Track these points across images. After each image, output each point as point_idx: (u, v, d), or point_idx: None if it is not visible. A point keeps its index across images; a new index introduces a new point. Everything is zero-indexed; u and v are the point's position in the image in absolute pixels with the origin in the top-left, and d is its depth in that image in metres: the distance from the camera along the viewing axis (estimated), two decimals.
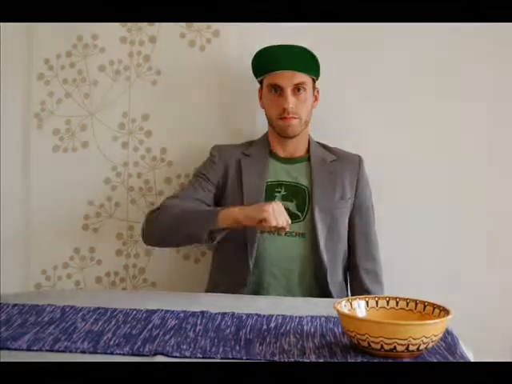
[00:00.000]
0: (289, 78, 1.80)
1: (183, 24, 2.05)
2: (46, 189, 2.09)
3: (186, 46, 2.06)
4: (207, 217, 1.68)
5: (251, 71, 1.92)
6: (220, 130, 2.07)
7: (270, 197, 1.82)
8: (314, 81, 1.88)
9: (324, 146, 1.94)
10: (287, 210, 1.73)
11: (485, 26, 1.90)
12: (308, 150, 1.91)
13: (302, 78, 1.81)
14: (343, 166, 1.89)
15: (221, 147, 1.94)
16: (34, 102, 2.08)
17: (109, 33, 2.06)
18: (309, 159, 1.89)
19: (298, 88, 1.81)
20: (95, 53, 2.07)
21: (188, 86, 2.07)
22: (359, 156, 1.93)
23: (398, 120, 2.07)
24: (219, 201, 1.87)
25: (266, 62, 1.84)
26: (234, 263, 1.82)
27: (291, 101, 1.80)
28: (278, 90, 1.82)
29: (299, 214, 1.82)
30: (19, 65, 2.07)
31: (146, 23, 2.05)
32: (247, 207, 1.68)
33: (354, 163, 1.90)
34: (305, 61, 1.82)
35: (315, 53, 1.86)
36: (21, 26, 2.04)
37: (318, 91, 1.90)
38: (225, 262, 1.88)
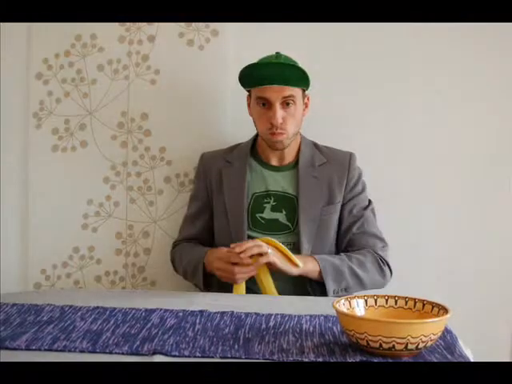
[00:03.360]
0: (277, 92, 1.74)
1: (182, 23, 2.04)
2: (45, 188, 2.09)
3: (184, 46, 2.06)
4: (197, 273, 1.79)
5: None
6: (219, 129, 2.07)
7: (259, 208, 1.80)
8: (303, 90, 1.82)
9: (316, 146, 1.91)
10: (277, 221, 1.79)
11: (484, 26, 1.90)
12: (298, 155, 1.87)
13: (291, 90, 1.75)
14: (332, 169, 1.85)
15: (204, 156, 1.96)
16: (33, 102, 2.08)
17: (107, 32, 2.05)
18: (297, 164, 1.86)
19: (286, 102, 1.75)
20: (94, 52, 2.07)
21: (187, 85, 2.07)
22: (350, 154, 1.88)
23: (396, 120, 2.07)
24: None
25: (254, 76, 1.77)
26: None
27: (279, 115, 1.74)
28: (266, 103, 1.76)
29: (289, 224, 1.81)
30: (18, 64, 2.07)
31: (144, 22, 2.05)
32: (216, 260, 1.70)
33: (343, 163, 1.86)
34: (293, 75, 1.75)
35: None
36: (20, 26, 2.04)
37: (308, 98, 1.85)
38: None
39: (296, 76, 1.74)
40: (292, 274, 1.68)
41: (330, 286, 1.71)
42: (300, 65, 1.77)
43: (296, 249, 1.80)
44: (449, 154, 2.07)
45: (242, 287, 1.68)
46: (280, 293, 1.73)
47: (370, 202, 1.89)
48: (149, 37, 2.06)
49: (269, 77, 1.73)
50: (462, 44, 2.05)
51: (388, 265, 1.82)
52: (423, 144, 2.07)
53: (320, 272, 1.71)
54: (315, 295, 1.76)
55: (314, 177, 1.83)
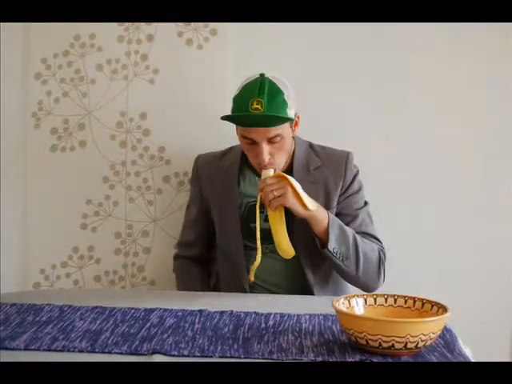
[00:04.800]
0: (262, 133, 1.65)
1: (181, 23, 2.04)
2: (44, 188, 2.09)
3: (183, 45, 2.06)
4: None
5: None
6: (218, 128, 2.06)
7: (253, 218, 1.70)
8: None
9: (311, 147, 1.84)
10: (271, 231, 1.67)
11: (484, 26, 1.90)
12: (292, 159, 1.79)
13: (277, 129, 1.65)
14: (328, 171, 1.78)
15: (199, 161, 1.92)
16: (32, 102, 2.08)
17: (106, 32, 2.06)
18: (292, 169, 1.78)
19: (273, 139, 1.66)
20: (93, 52, 2.07)
21: (186, 85, 2.07)
22: (347, 154, 1.81)
23: (395, 120, 2.07)
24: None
25: (237, 121, 1.70)
26: (232, 283, 1.81)
27: (266, 154, 1.66)
28: (251, 141, 1.68)
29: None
30: (17, 64, 2.07)
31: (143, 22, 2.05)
32: None
33: (340, 165, 1.79)
34: (277, 120, 1.64)
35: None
36: (18, 26, 2.04)
37: (298, 117, 1.74)
38: (224, 282, 1.87)
39: (280, 120, 1.65)
40: (299, 214, 1.64)
41: (333, 242, 1.65)
42: (285, 91, 1.66)
43: (294, 258, 1.73)
44: (448, 153, 2.06)
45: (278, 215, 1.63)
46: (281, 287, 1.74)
47: (365, 203, 1.83)
48: (147, 36, 2.06)
49: (251, 123, 1.65)
50: (462, 44, 2.04)
51: (384, 268, 1.76)
52: (423, 143, 2.06)
53: (326, 226, 1.64)
54: (315, 286, 1.75)
55: (309, 182, 1.76)
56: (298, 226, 1.72)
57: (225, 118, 1.67)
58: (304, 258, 1.75)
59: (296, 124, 1.75)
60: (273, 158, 1.68)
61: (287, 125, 1.69)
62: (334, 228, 1.66)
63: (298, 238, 1.71)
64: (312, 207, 1.63)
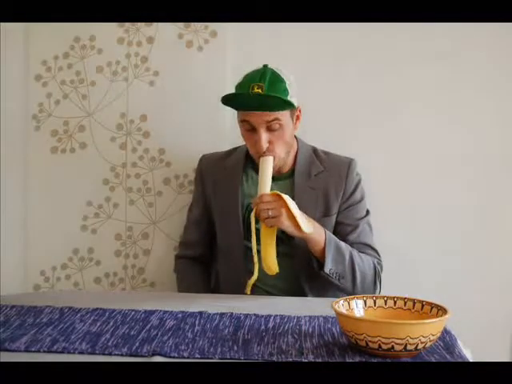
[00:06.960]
0: (261, 117, 1.65)
1: (181, 25, 2.05)
2: (44, 190, 2.09)
3: (183, 47, 2.06)
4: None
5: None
6: (218, 130, 2.07)
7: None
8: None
9: (315, 152, 1.83)
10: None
11: (485, 26, 1.90)
12: (295, 163, 1.80)
13: (276, 114, 1.65)
14: (329, 178, 1.77)
15: (203, 160, 1.92)
16: (32, 104, 2.08)
17: (106, 34, 2.06)
18: (293, 173, 1.79)
19: (272, 126, 1.65)
20: (93, 54, 2.08)
21: (186, 87, 2.07)
22: (350, 161, 1.81)
23: (394, 122, 2.07)
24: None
25: (235, 103, 1.70)
26: (232, 284, 1.80)
27: (265, 141, 1.66)
28: (250, 126, 1.68)
29: (283, 236, 1.70)
30: (17, 66, 2.08)
31: (143, 24, 2.05)
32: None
33: (341, 172, 1.78)
34: (277, 103, 1.64)
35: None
36: (18, 27, 2.05)
37: (299, 110, 1.73)
38: (224, 283, 1.87)
39: (279, 103, 1.64)
40: (294, 235, 1.63)
41: (329, 264, 1.64)
42: (287, 81, 1.67)
43: (292, 260, 1.75)
44: (450, 157, 2.06)
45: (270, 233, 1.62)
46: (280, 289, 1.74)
47: (367, 212, 1.81)
48: (148, 38, 2.07)
49: (250, 105, 1.65)
50: (463, 45, 2.04)
51: (380, 281, 1.76)
52: (425, 147, 2.06)
53: (322, 247, 1.64)
54: (311, 293, 1.75)
55: (309, 187, 1.76)
56: (295, 241, 1.72)
57: (225, 100, 1.67)
58: (302, 274, 1.76)
59: (298, 118, 1.74)
60: (272, 146, 1.68)
61: (287, 113, 1.69)
62: (330, 248, 1.65)
63: (295, 253, 1.73)
64: (307, 230, 1.61)
